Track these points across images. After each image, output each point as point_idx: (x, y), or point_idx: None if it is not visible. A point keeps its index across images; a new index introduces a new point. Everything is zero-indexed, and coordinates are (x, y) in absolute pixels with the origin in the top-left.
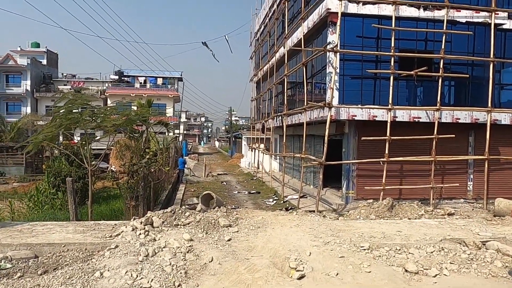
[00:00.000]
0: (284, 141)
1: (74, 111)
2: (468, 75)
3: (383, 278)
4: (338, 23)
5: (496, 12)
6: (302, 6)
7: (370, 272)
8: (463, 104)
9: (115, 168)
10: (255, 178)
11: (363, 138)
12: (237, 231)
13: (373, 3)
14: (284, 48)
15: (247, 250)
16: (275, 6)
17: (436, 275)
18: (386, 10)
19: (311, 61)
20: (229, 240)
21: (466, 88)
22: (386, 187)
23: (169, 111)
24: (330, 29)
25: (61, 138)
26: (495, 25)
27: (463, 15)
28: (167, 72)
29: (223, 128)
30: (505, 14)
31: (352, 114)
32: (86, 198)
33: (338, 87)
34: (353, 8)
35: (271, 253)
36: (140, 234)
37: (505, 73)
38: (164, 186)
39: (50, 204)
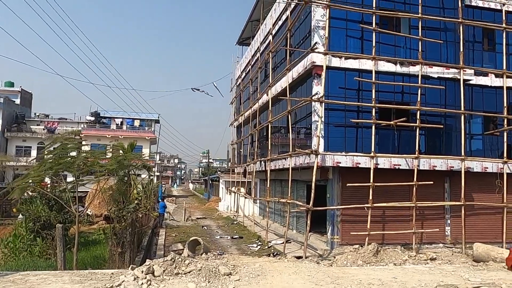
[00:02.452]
0: (268, 185)
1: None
2: (442, 126)
3: None
4: (323, 75)
5: (464, 69)
6: (287, 58)
7: None
8: (439, 152)
9: (91, 211)
10: (235, 222)
11: (348, 184)
12: (239, 279)
13: (355, 58)
14: (267, 95)
15: None
16: (258, 55)
17: None
18: (367, 64)
19: (295, 109)
20: None
21: (441, 137)
22: (371, 233)
23: (146, 153)
24: (315, 81)
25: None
26: (464, 80)
27: (435, 71)
28: (144, 114)
29: (196, 170)
30: (472, 71)
31: (337, 161)
32: (67, 245)
33: (323, 134)
34: (336, 62)
35: None
36: (142, 284)
37: (474, 123)
38: (145, 231)
39: (27, 251)
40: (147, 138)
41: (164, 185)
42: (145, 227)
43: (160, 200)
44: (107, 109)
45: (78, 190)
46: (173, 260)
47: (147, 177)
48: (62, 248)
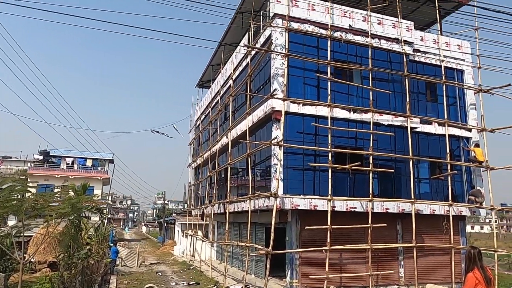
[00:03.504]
0: (226, 228)
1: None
2: (393, 170)
3: None
4: (282, 120)
5: (411, 118)
6: (247, 102)
7: None
8: (391, 195)
9: (34, 258)
10: (191, 267)
11: (306, 227)
12: None
13: (312, 105)
14: (227, 137)
15: None
16: (218, 98)
17: None
18: (323, 111)
19: (254, 152)
20: None
21: (392, 181)
22: (329, 276)
23: (98, 194)
24: (275, 125)
25: None
26: (411, 128)
27: (385, 119)
28: (98, 153)
29: (150, 211)
30: (418, 119)
31: (296, 203)
32: None
33: (282, 177)
34: (294, 108)
35: None
36: None
37: (421, 168)
38: (95, 279)
39: None
40: (99, 178)
41: (115, 228)
42: (95, 274)
43: (111, 245)
44: (58, 148)
45: (20, 235)
46: None
47: (99, 220)
48: None
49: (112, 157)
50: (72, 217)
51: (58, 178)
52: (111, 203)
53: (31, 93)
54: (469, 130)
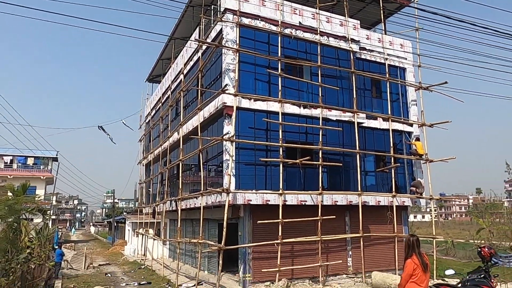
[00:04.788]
0: (178, 225)
1: None
2: (341, 164)
3: None
4: (233, 116)
5: (357, 113)
6: (199, 97)
7: None
8: (339, 188)
9: None
10: (143, 266)
11: (258, 221)
12: None
13: (263, 100)
14: (178, 133)
15: None
16: (169, 93)
17: None
18: (274, 106)
19: (206, 148)
20: None
21: (341, 174)
22: (281, 268)
23: (41, 194)
24: (226, 120)
25: None
26: (357, 123)
27: (333, 114)
28: (39, 151)
29: (99, 211)
30: (364, 115)
31: (248, 198)
32: None
33: (234, 173)
34: (246, 103)
35: None
36: None
37: (367, 161)
38: (38, 284)
39: None
40: (42, 177)
41: (61, 230)
42: (37, 279)
43: (56, 247)
44: None
45: None
46: None
47: (42, 222)
48: None
49: (56, 155)
50: (9, 220)
51: None
52: (56, 203)
53: None
54: (411, 125)
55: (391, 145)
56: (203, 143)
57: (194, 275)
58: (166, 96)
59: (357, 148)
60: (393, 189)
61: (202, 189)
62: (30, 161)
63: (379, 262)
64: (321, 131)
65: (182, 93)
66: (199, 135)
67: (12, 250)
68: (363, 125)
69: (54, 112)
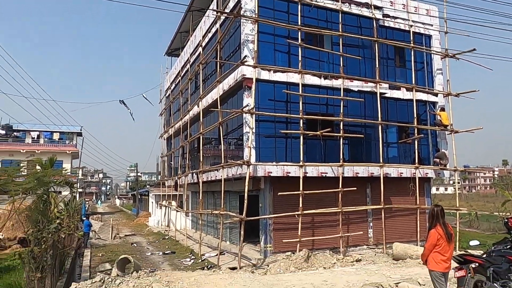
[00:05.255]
0: (200, 198)
1: None
2: (363, 135)
3: None
4: (253, 88)
5: (380, 83)
6: (218, 70)
7: None
8: (361, 160)
9: (2, 235)
10: (167, 237)
11: (279, 193)
12: None
13: (283, 71)
14: (198, 107)
15: None
16: (188, 66)
17: None
18: (294, 78)
19: (226, 121)
20: None
21: (362, 146)
22: (302, 239)
23: (67, 168)
24: (246, 93)
25: None
26: (380, 93)
27: (355, 85)
28: (65, 126)
29: (123, 184)
30: (387, 85)
31: (268, 171)
32: None
33: (254, 145)
34: (265, 75)
35: None
36: None
37: (390, 133)
38: (69, 253)
39: None
40: (68, 152)
41: (87, 202)
42: (68, 248)
43: (84, 219)
44: (21, 121)
45: None
46: (102, 281)
47: (69, 194)
48: None
49: (80, 130)
50: (39, 192)
51: (23, 153)
52: (82, 177)
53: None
54: (436, 94)
55: (415, 115)
56: (223, 116)
57: (216, 245)
58: (185, 69)
59: (379, 119)
60: (416, 161)
61: (222, 162)
62: (56, 136)
63: (400, 234)
64: (342, 102)
65: (201, 66)
66: (219, 108)
67: (43, 220)
68: (386, 95)
69: (77, 87)
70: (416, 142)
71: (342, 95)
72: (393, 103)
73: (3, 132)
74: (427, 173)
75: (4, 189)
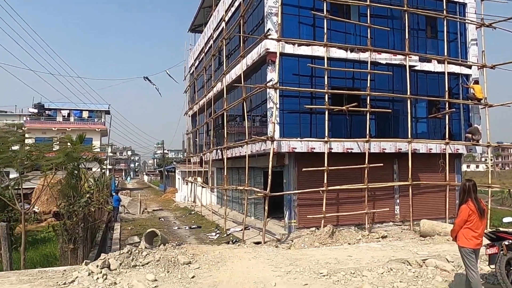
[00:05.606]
0: (224, 174)
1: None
2: (390, 110)
3: None
4: (277, 62)
5: (410, 56)
6: (241, 45)
7: None
8: (388, 136)
9: (38, 209)
10: (193, 212)
11: (303, 169)
12: (198, 267)
13: (307, 45)
14: (222, 83)
15: (214, 286)
16: (211, 42)
17: None
18: (319, 51)
19: (250, 96)
20: (193, 277)
21: (390, 121)
22: (326, 215)
23: (96, 145)
24: (270, 67)
25: None
26: (409, 66)
27: (383, 58)
28: (93, 105)
29: (151, 161)
30: (417, 57)
31: (293, 146)
32: (12, 245)
33: (278, 121)
34: (289, 49)
35: (238, 287)
36: (98, 278)
37: (419, 107)
38: (99, 226)
39: None
40: (97, 130)
41: (117, 178)
42: (98, 221)
43: (113, 194)
44: (52, 100)
45: (23, 186)
46: (129, 252)
47: (99, 170)
48: (8, 248)
49: (108, 108)
50: (69, 167)
51: (55, 131)
52: (111, 154)
53: (16, 42)
54: (469, 67)
55: (446, 89)
56: (246, 91)
57: (241, 220)
58: (209, 45)
59: (408, 93)
60: (447, 136)
61: (246, 138)
62: (85, 115)
63: (428, 211)
64: (369, 76)
65: (224, 41)
66: (242, 83)
67: (74, 195)
68: (416, 68)
69: (102, 66)
70: (447, 116)
71: (369, 68)
72: (423, 76)
73: (36, 110)
74: (458, 149)
75: (36, 165)
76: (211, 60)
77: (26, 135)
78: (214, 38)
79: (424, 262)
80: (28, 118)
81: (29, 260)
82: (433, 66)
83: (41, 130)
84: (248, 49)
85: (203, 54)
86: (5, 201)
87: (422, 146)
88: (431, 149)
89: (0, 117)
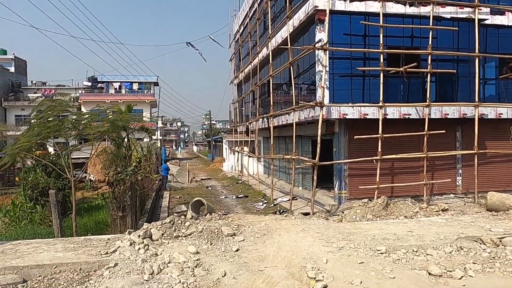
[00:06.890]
0: (271, 143)
1: (52, 118)
2: (454, 71)
3: (409, 283)
4: (326, 21)
5: (479, 8)
6: (287, 4)
7: (394, 278)
8: (451, 100)
9: (93, 177)
10: (240, 181)
11: (355, 137)
12: (243, 240)
13: (360, 0)
14: (267, 48)
15: (259, 261)
16: (256, 6)
17: (461, 277)
18: (373, 7)
19: (297, 61)
20: (237, 250)
21: (453, 83)
22: (380, 186)
23: (146, 117)
24: (318, 27)
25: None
26: (479, 20)
27: (447, 11)
28: (142, 77)
29: (200, 132)
30: (488, 9)
31: (343, 112)
32: (67, 211)
33: (328, 85)
34: (340, 6)
35: (285, 263)
36: (139, 249)
37: (488, 68)
38: (149, 194)
39: (28, 219)
40: (147, 101)
41: (168, 149)
42: (147, 189)
43: (163, 163)
44: (104, 73)
45: (81, 156)
46: (172, 222)
47: (149, 140)
48: (57, 215)
49: (157, 80)
50: (114, 135)
51: (108, 103)
52: (162, 125)
53: (66, 16)
54: None
55: None
56: (293, 55)
57: (288, 190)
58: (254, 9)
59: (477, 51)
60: None
61: (293, 105)
62: (135, 87)
63: (496, 182)
64: (431, 33)
65: (269, 2)
66: (289, 45)
67: (121, 164)
68: (486, 22)
69: (147, 36)
70: None
71: (431, 24)
72: (494, 31)
73: (89, 83)
74: None
75: (84, 134)
76: (256, 24)
77: (83, 108)
78: (258, 1)
79: (500, 241)
80: (83, 92)
81: (83, 226)
82: (507, 19)
83: (95, 103)
84: (294, 8)
85: (248, 19)
86: (56, 169)
87: (491, 111)
88: (501, 114)
89: (58, 91)
